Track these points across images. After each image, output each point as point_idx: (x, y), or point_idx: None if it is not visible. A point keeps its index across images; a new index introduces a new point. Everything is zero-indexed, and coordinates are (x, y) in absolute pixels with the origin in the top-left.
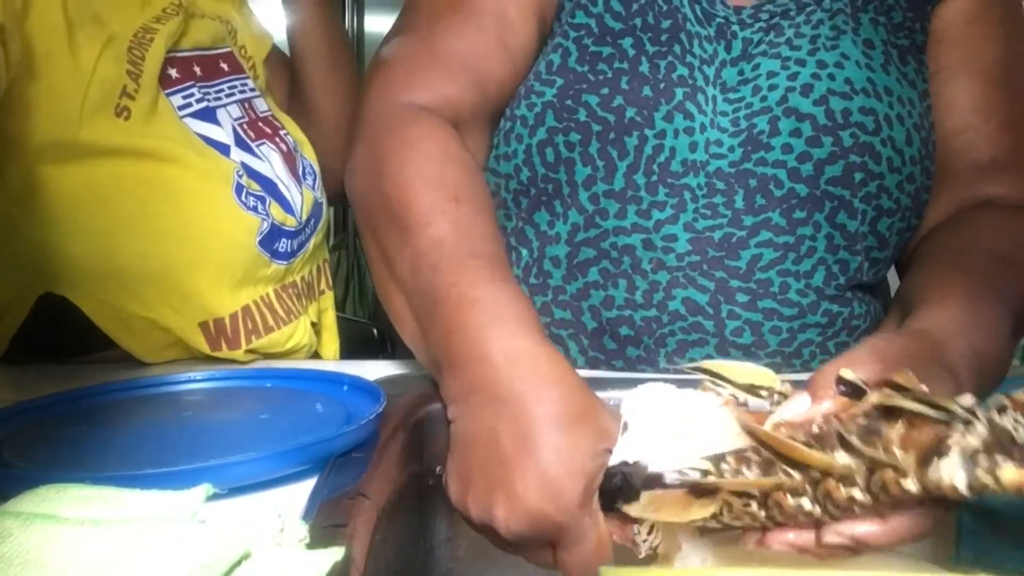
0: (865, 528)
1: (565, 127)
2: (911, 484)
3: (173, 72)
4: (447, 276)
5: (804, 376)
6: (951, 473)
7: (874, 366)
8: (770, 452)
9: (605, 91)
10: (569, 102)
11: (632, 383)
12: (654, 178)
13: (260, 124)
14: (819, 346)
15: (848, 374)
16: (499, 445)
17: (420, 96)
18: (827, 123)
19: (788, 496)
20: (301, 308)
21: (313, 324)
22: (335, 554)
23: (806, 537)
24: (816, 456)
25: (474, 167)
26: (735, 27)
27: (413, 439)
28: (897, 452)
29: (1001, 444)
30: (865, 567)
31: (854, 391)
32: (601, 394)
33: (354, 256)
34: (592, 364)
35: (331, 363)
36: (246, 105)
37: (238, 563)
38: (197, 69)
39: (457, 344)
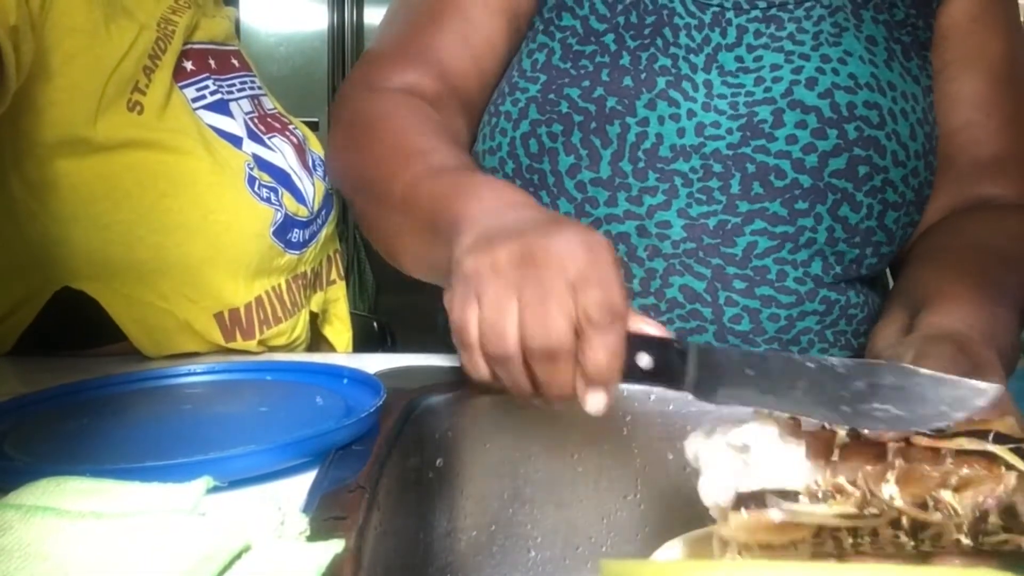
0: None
1: (548, 119)
2: None
3: (188, 64)
4: (450, 176)
5: None
6: None
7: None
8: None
9: (586, 83)
10: (552, 96)
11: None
12: (641, 164)
13: (269, 119)
14: (817, 334)
15: (1008, 427)
16: (531, 220)
17: (390, 83)
18: (832, 116)
19: (889, 527)
20: (304, 300)
21: (315, 315)
22: (335, 547)
23: (893, 571)
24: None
25: (445, 124)
26: (730, 14)
27: (413, 432)
28: None
29: None
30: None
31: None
32: None
33: (355, 249)
34: None
35: (331, 356)
36: (255, 101)
37: (238, 556)
38: (212, 62)
39: (466, 199)
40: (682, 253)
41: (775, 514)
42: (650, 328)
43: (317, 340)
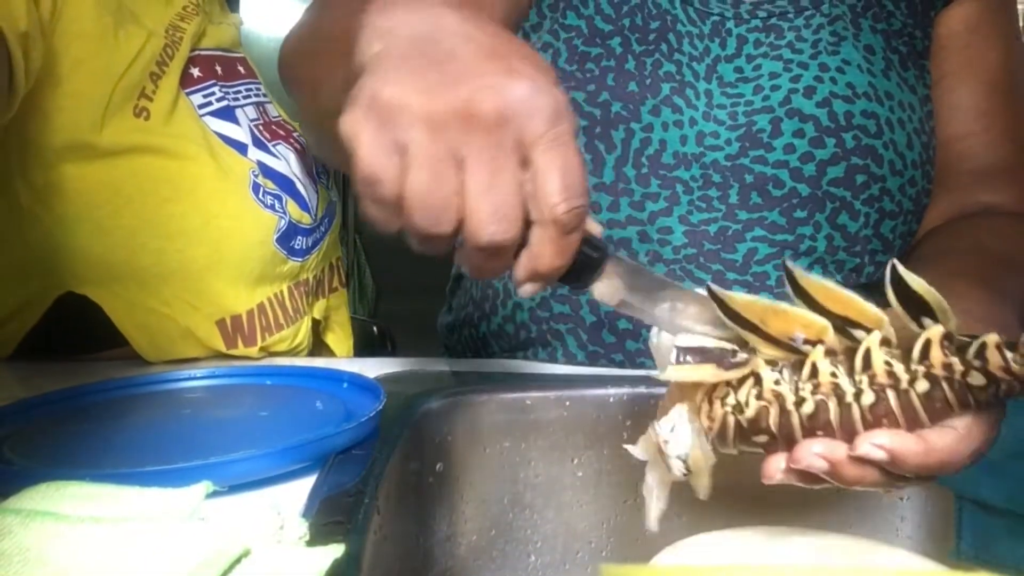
0: (901, 442)
1: None
2: (955, 359)
3: (195, 71)
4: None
5: None
6: (996, 339)
7: None
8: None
9: (591, 87)
10: None
11: (632, 381)
12: (644, 170)
13: (274, 126)
14: None
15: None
16: (470, 40)
17: None
18: (830, 125)
19: (826, 359)
20: (307, 307)
21: (318, 321)
22: (335, 551)
23: (837, 450)
24: (865, 306)
25: None
26: (730, 23)
27: (413, 437)
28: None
29: None
30: (866, 565)
31: None
32: (601, 392)
33: (355, 253)
34: (592, 358)
35: (331, 360)
36: (261, 108)
37: (238, 560)
38: (219, 68)
39: (382, 12)
40: (683, 259)
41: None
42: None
43: (318, 347)
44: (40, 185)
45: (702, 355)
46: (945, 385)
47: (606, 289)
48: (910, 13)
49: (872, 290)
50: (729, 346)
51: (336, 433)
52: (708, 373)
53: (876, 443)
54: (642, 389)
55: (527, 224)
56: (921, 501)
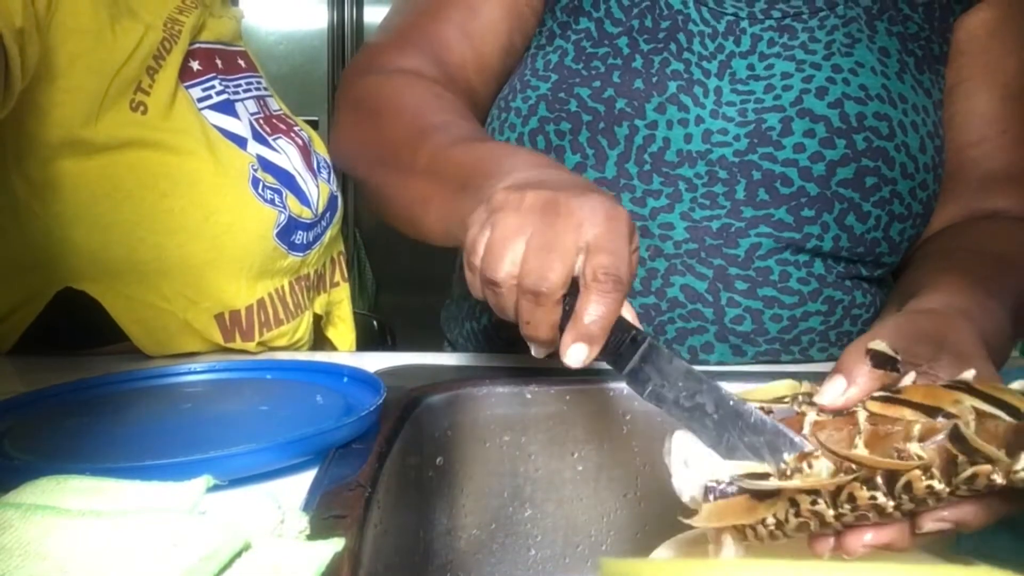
0: (965, 511)
1: (556, 117)
2: (998, 477)
3: (195, 64)
4: (482, 142)
5: (802, 367)
6: None
7: (898, 343)
8: (853, 464)
9: (597, 84)
10: (562, 95)
11: None
12: (647, 167)
13: (275, 120)
14: (819, 334)
15: (880, 345)
16: (566, 180)
17: (394, 66)
18: (841, 126)
19: (863, 487)
20: (308, 302)
21: (319, 316)
22: (335, 545)
23: (889, 533)
24: (903, 463)
25: (456, 102)
26: (744, 22)
27: (413, 431)
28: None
29: None
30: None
31: (885, 363)
32: (601, 386)
33: (355, 248)
34: None
35: (331, 354)
36: (261, 102)
37: (238, 554)
38: (219, 62)
39: (502, 157)
40: (684, 253)
41: (736, 491)
42: (626, 312)
43: (320, 341)
44: (37, 181)
45: (734, 487)
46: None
47: (636, 373)
48: (927, 17)
49: (882, 283)
50: (761, 469)
51: (336, 427)
52: (742, 511)
53: (942, 519)
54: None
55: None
56: None
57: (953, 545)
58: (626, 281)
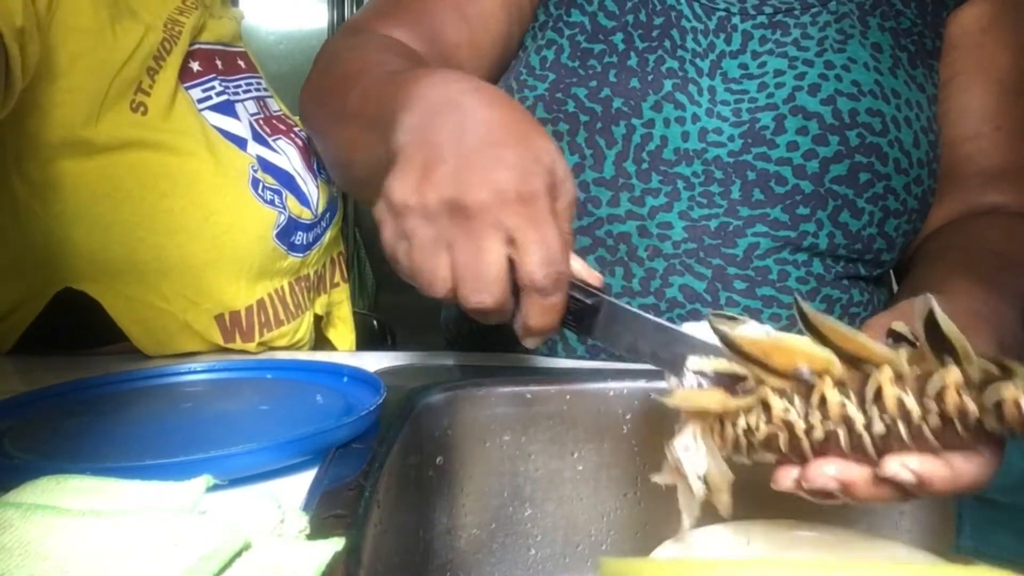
0: (931, 468)
1: (554, 118)
2: (969, 402)
3: (195, 65)
4: (401, 74)
5: None
6: (1015, 394)
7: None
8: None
9: (593, 83)
10: (559, 95)
11: (632, 374)
12: (645, 166)
13: (275, 121)
14: None
15: (901, 327)
16: (467, 136)
17: (374, 30)
18: (834, 122)
19: (835, 389)
20: (308, 302)
21: (319, 317)
22: (335, 545)
23: (853, 471)
24: (875, 347)
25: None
26: (736, 19)
27: (413, 430)
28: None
29: None
30: (866, 558)
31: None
32: (601, 386)
33: (354, 248)
34: (592, 352)
35: (331, 354)
36: (261, 103)
37: (238, 554)
38: (219, 63)
39: (412, 87)
40: (683, 253)
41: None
42: (575, 262)
43: (321, 341)
44: (37, 181)
45: (714, 380)
46: (959, 425)
47: (606, 334)
48: (919, 12)
49: (879, 282)
50: (742, 371)
51: (336, 427)
52: (715, 400)
53: (906, 466)
54: (642, 383)
55: (518, 289)
56: None
57: (954, 545)
58: (565, 269)
